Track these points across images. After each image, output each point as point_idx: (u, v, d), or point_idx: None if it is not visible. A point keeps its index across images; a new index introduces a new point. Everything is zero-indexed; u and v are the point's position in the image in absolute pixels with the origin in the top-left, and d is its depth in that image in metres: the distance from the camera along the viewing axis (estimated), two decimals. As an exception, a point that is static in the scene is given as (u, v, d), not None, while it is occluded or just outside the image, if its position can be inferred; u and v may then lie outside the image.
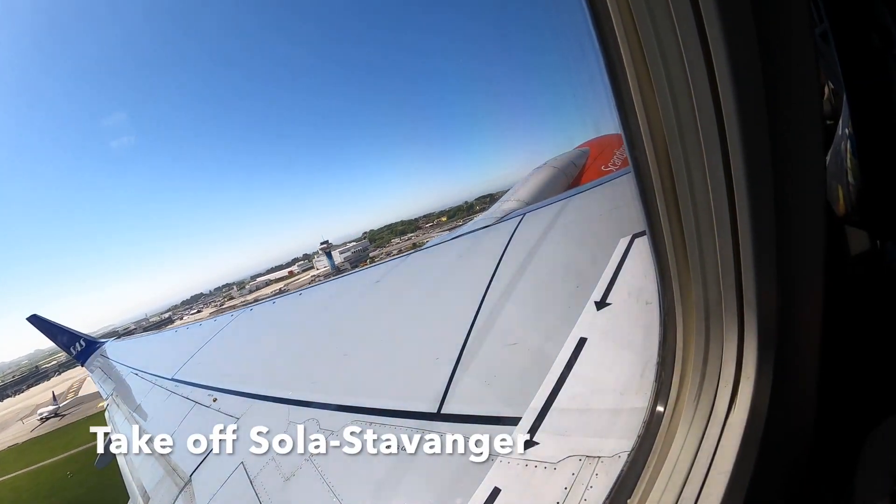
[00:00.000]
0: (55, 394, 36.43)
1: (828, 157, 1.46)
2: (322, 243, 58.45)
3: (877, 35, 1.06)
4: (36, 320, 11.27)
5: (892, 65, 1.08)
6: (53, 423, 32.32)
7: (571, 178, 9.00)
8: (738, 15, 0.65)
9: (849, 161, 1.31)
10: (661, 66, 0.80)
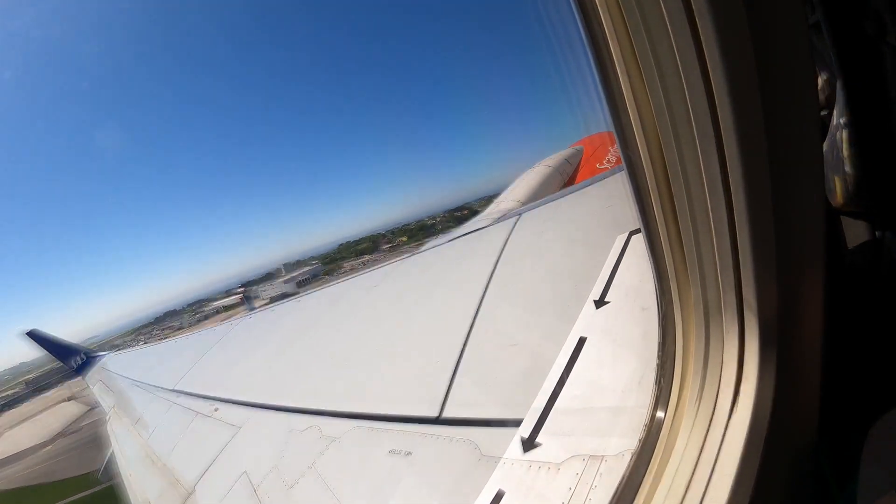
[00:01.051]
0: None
1: (823, 148, 1.45)
2: (240, 286, 56.93)
3: (870, 22, 1.04)
4: (34, 336, 11.20)
5: (886, 52, 1.07)
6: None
7: (566, 176, 9.04)
8: (730, 7, 0.64)
9: (845, 151, 1.29)
10: (651, 59, 0.78)
